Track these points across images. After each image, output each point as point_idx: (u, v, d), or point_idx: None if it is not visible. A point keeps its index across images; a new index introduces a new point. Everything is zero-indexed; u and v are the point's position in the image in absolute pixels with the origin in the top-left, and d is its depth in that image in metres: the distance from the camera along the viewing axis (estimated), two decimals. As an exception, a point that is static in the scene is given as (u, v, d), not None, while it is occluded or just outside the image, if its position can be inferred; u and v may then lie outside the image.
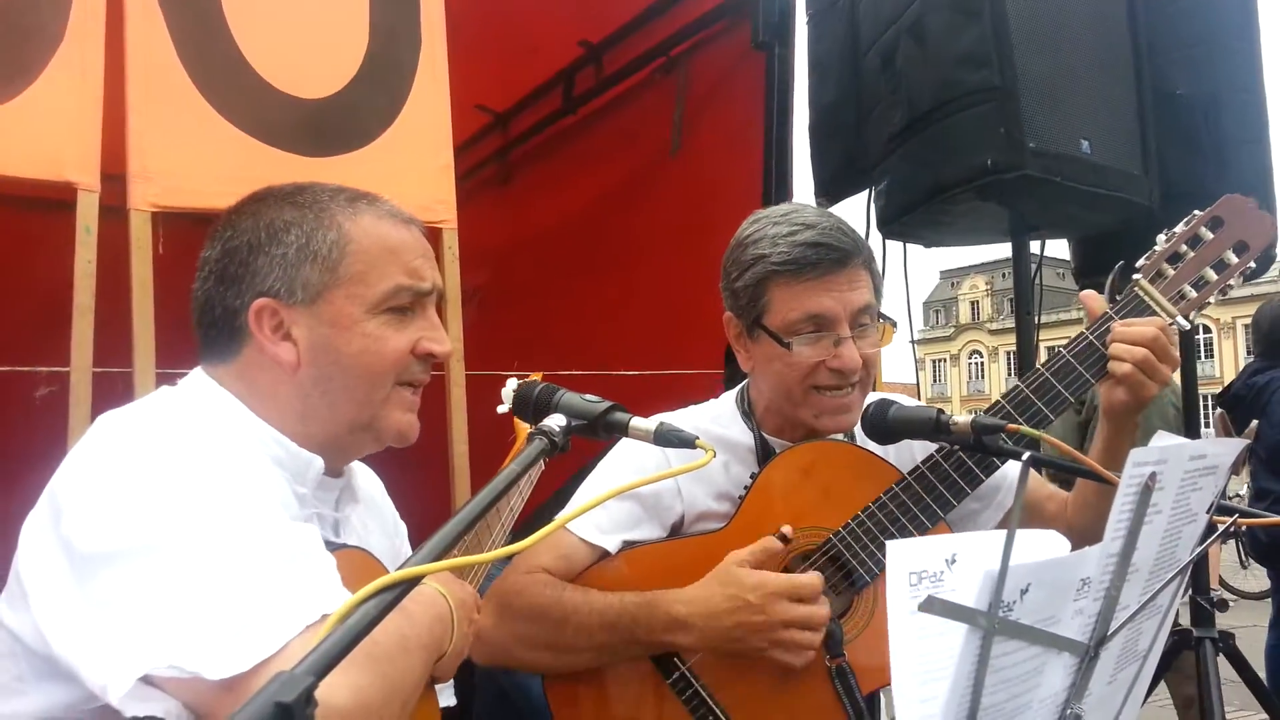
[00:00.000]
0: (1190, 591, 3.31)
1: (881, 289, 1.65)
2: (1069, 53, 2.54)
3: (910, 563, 0.74)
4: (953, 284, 69.92)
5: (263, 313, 1.18)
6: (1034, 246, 2.90)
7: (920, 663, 0.75)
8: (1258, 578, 8.45)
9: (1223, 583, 7.98)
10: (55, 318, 1.81)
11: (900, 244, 3.06)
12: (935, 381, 65.33)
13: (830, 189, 3.18)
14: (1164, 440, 0.92)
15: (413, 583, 0.76)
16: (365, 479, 1.41)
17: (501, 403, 1.24)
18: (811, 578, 1.47)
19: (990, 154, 2.40)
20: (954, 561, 0.79)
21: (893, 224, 2.79)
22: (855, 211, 3.00)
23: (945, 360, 66.84)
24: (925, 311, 71.93)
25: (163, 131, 1.89)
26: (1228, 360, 47.31)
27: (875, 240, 2.94)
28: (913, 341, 3.29)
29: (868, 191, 2.95)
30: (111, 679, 0.92)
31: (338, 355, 1.19)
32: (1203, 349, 49.40)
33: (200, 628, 0.92)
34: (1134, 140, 2.63)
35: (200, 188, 1.89)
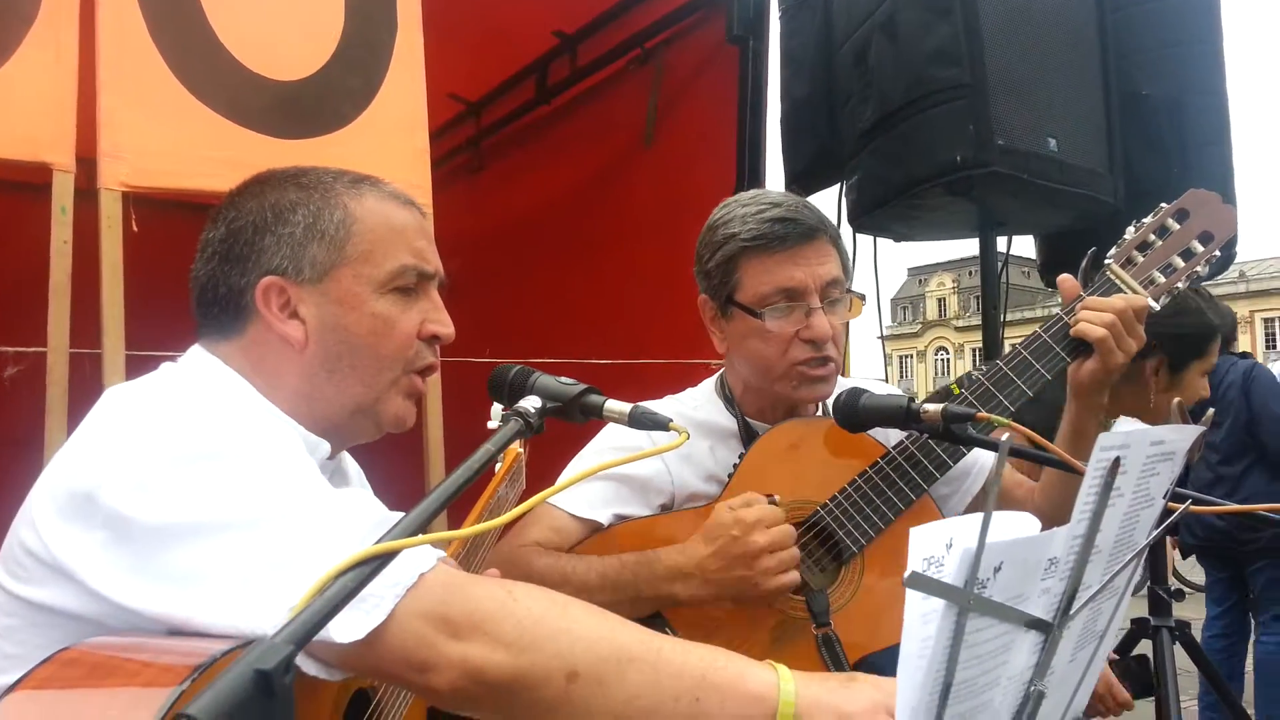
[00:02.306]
0: (1149, 581, 3.39)
1: (850, 268, 1.69)
2: (1038, 52, 2.59)
3: (924, 549, 0.76)
4: (920, 281, 70.62)
5: (270, 290, 1.17)
6: (1000, 245, 2.96)
7: (921, 645, 0.77)
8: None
9: (1176, 574, 8.13)
10: (20, 299, 1.79)
11: (871, 238, 3.10)
12: (903, 377, 65.97)
13: (801, 182, 3.22)
14: (1124, 426, 0.94)
15: (389, 556, 0.77)
16: (349, 460, 1.40)
17: (490, 418, 1.26)
18: (776, 510, 1.49)
19: (959, 150, 2.44)
20: (950, 545, 0.81)
21: (863, 218, 2.83)
22: (826, 205, 3.03)
23: (912, 356, 67.50)
24: (893, 308, 72.62)
25: (135, 111, 1.86)
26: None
27: (846, 234, 2.98)
28: (881, 337, 3.32)
29: (839, 186, 2.98)
30: (242, 629, 0.91)
31: (346, 334, 1.19)
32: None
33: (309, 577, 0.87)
34: (1100, 139, 2.69)
35: (172, 168, 1.87)
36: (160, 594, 0.94)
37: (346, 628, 0.90)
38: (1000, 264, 3.01)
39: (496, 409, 1.48)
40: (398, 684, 1.03)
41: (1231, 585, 4.57)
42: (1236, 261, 3.05)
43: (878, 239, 3.09)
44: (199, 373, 1.18)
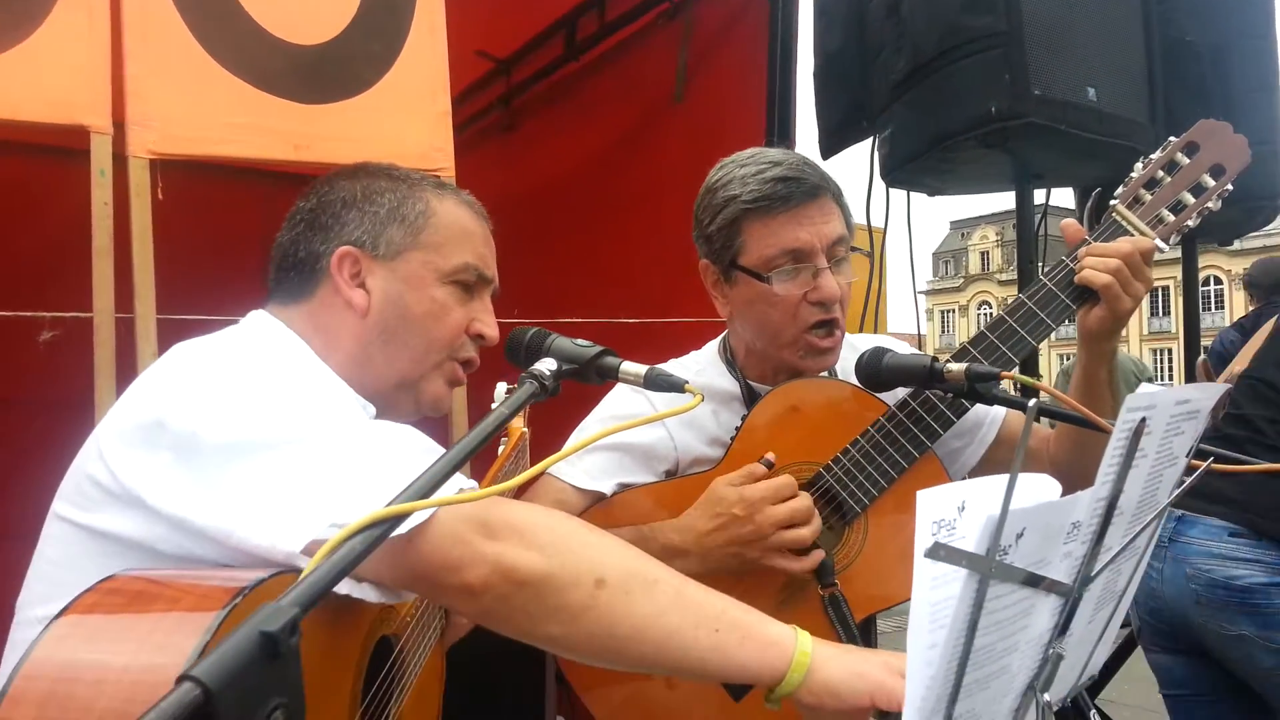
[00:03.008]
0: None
1: (853, 224, 1.65)
2: (1075, -2, 2.50)
3: (933, 512, 0.74)
4: (963, 235, 69.47)
5: (345, 259, 1.27)
6: (1040, 195, 2.89)
7: (931, 610, 0.76)
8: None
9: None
10: (57, 263, 1.82)
11: (905, 192, 3.05)
12: (944, 332, 65.18)
13: (835, 136, 3.16)
14: (1146, 389, 0.92)
15: (399, 519, 0.77)
16: None
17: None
18: (785, 479, 1.49)
19: (994, 101, 2.38)
20: (964, 509, 0.80)
21: (896, 172, 2.78)
22: (859, 160, 2.99)
23: (954, 311, 66.65)
24: (935, 262, 71.55)
25: (160, 78, 1.87)
26: (1239, 311, 47.06)
27: (879, 188, 2.93)
28: (915, 291, 3.28)
29: (872, 139, 2.93)
30: (281, 540, 0.96)
31: (405, 310, 1.27)
32: (1213, 300, 49.18)
33: (359, 496, 0.95)
34: (1141, 88, 2.60)
35: (198, 134, 1.89)
36: (217, 507, 0.99)
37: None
38: (1039, 217, 2.94)
39: (500, 388, 1.49)
40: (430, 588, 1.06)
41: None
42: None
43: (911, 193, 3.03)
44: (260, 331, 1.26)
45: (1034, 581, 0.81)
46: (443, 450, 0.93)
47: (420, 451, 1.07)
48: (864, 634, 1.56)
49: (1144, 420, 0.86)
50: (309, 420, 1.05)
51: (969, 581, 0.72)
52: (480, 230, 1.37)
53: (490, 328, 1.35)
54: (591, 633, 1.01)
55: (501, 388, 1.57)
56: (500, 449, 1.67)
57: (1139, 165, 1.62)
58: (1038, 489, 0.82)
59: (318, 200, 1.31)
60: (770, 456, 1.53)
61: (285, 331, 1.25)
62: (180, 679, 0.58)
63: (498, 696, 1.88)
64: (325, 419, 1.07)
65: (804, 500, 1.49)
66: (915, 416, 1.56)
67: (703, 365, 1.74)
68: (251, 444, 1.01)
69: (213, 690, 0.58)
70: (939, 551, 0.70)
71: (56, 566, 1.07)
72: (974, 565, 0.71)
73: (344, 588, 0.97)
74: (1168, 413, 0.92)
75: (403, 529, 0.93)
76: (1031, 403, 0.74)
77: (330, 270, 1.27)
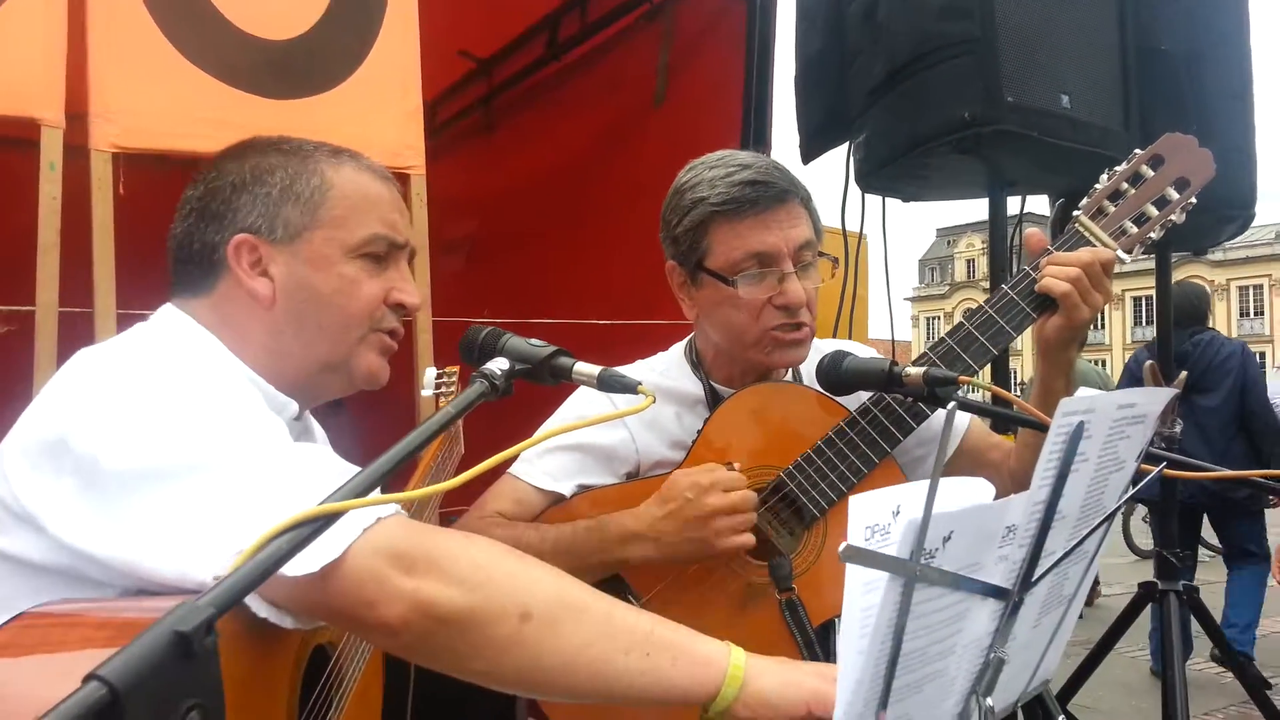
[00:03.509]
0: (1160, 546, 3.36)
1: (821, 229, 1.64)
2: (1050, 5, 2.50)
3: (867, 516, 0.74)
4: (949, 242, 69.68)
5: (241, 247, 1.20)
6: (1015, 203, 2.89)
7: (860, 615, 0.75)
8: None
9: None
10: (12, 256, 1.80)
11: (880, 198, 3.04)
12: (929, 338, 65.28)
13: (815, 141, 3.15)
14: (1089, 393, 0.92)
15: (331, 518, 0.76)
16: (314, 423, 1.40)
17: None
18: (735, 474, 1.49)
19: (968, 107, 2.37)
20: (898, 513, 0.79)
21: (871, 177, 2.77)
22: (836, 166, 2.98)
23: (940, 318, 66.82)
24: (921, 269, 71.79)
25: (124, 71, 1.86)
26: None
27: (854, 194, 2.93)
28: (890, 298, 3.28)
29: (847, 145, 2.92)
30: (191, 569, 0.92)
31: (313, 293, 1.21)
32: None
33: (271, 521, 0.88)
34: (1116, 95, 2.60)
35: (162, 128, 1.87)
36: (120, 539, 0.95)
37: (300, 561, 0.89)
38: (1013, 226, 2.95)
39: (429, 374, 1.47)
40: (348, 625, 1.03)
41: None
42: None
43: (886, 199, 3.03)
44: (168, 330, 1.20)
45: (963, 585, 0.81)
46: (357, 469, 0.87)
47: (332, 474, 1.01)
48: (822, 640, 1.55)
49: (1082, 424, 0.86)
50: (215, 443, 1.00)
51: (892, 585, 0.72)
52: (386, 193, 1.28)
53: (410, 295, 1.28)
54: (519, 667, 0.98)
55: (431, 373, 1.54)
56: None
57: (1104, 177, 1.63)
58: (968, 492, 0.82)
59: (205, 187, 1.24)
60: (735, 465, 1.52)
61: (194, 328, 1.20)
62: (86, 678, 0.57)
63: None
64: (233, 440, 1.01)
65: (749, 492, 1.49)
66: (876, 423, 1.56)
67: (667, 366, 1.74)
68: (155, 471, 0.96)
69: (120, 690, 0.57)
70: (860, 556, 0.70)
71: None
72: (897, 569, 0.71)
73: (264, 611, 0.95)
74: (1110, 417, 0.91)
75: (313, 566, 0.90)
76: (950, 405, 0.73)
77: (228, 261, 1.20)
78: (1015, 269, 2.82)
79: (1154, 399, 0.96)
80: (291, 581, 0.90)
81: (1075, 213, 1.61)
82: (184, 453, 0.98)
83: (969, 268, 66.89)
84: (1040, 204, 3.31)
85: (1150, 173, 1.60)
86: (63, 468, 0.98)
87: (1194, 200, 1.59)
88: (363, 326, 1.25)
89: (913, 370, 1.44)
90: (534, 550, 1.48)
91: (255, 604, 0.94)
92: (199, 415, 1.02)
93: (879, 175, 2.74)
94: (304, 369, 1.23)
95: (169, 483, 0.96)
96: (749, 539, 1.48)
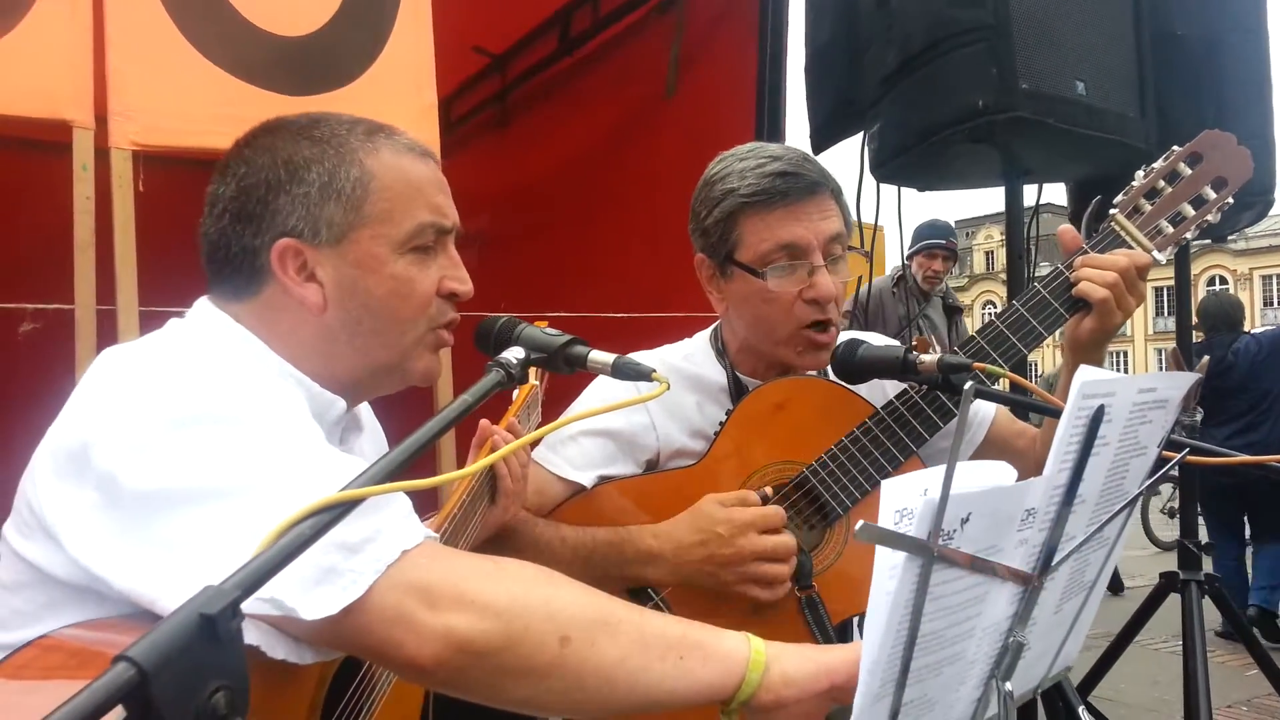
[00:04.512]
0: (1179, 535, 3.35)
1: (851, 222, 1.63)
2: (1066, -11, 2.49)
3: (897, 500, 0.74)
4: (968, 234, 69.27)
5: (286, 254, 1.14)
6: (1032, 193, 2.88)
7: (885, 598, 0.76)
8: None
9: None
10: (37, 255, 1.82)
11: (895, 188, 3.04)
12: (947, 332, 64.96)
13: (825, 132, 3.15)
14: (1100, 374, 0.91)
15: (352, 504, 0.77)
16: (364, 408, 1.37)
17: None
18: (775, 509, 1.48)
19: (982, 95, 2.36)
20: (925, 494, 0.80)
21: (885, 167, 2.76)
22: (849, 155, 2.97)
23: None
24: (938, 262, 71.30)
25: (142, 69, 1.87)
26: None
27: (869, 184, 2.92)
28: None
29: (861, 135, 2.91)
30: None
31: (366, 298, 1.16)
32: (1219, 300, 49.06)
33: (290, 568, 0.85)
34: (1131, 81, 2.59)
35: (181, 126, 1.89)
36: (136, 568, 0.92)
37: (320, 603, 0.89)
38: (1030, 217, 2.93)
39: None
40: (377, 661, 1.02)
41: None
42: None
43: (901, 189, 3.02)
44: (205, 330, 1.15)
45: (982, 568, 0.81)
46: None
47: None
48: (841, 638, 1.54)
49: (1102, 408, 0.86)
50: (241, 465, 0.95)
51: (909, 565, 0.72)
52: (428, 173, 1.21)
53: (462, 283, 1.23)
54: (562, 689, 0.97)
55: None
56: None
57: (1140, 174, 1.60)
58: (989, 474, 0.82)
59: (236, 185, 1.16)
60: (768, 490, 1.52)
61: (233, 328, 1.15)
62: (115, 659, 0.58)
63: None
64: (260, 463, 0.96)
65: (788, 538, 1.48)
66: (902, 420, 1.55)
67: (692, 352, 1.73)
68: (177, 494, 0.93)
69: (148, 670, 0.58)
70: (876, 535, 0.70)
71: (7, 591, 1.01)
72: (914, 549, 0.71)
73: (281, 651, 0.92)
74: (1130, 401, 0.91)
75: (333, 608, 0.88)
76: (967, 386, 0.73)
77: (273, 269, 1.14)
78: (1034, 260, 2.82)
79: (1176, 383, 0.95)
80: (311, 623, 0.89)
81: (1112, 210, 1.58)
82: (208, 475, 0.94)
83: (988, 259, 66.50)
84: (1058, 194, 3.29)
85: (1188, 171, 1.58)
86: (85, 480, 0.95)
87: (1231, 200, 1.57)
88: (419, 327, 1.20)
89: (926, 358, 1.44)
90: (554, 554, 1.49)
91: (273, 643, 0.92)
92: (226, 432, 0.97)
93: (893, 165, 2.73)
94: (357, 371, 1.20)
95: (190, 507, 0.92)
96: (781, 592, 1.47)
